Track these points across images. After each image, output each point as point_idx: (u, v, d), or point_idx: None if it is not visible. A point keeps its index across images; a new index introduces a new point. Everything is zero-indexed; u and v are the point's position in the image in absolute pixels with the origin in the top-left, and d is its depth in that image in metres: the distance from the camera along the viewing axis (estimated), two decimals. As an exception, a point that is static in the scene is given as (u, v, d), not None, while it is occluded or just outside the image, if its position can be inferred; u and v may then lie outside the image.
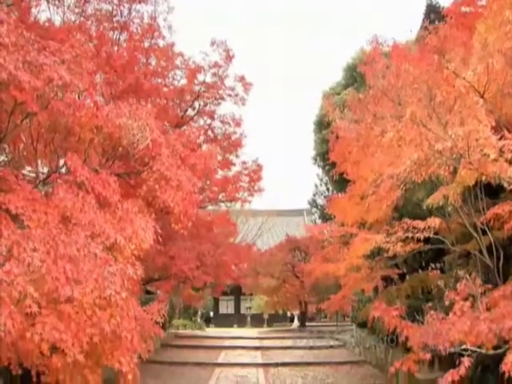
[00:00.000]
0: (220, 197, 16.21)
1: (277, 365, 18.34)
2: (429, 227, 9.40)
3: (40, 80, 5.49)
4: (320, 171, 25.00)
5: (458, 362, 4.95)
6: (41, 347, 3.89)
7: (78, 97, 6.46)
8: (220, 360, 19.09)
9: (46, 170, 8.81)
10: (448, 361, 11.82)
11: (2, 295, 3.60)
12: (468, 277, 5.40)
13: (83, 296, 3.96)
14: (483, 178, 8.43)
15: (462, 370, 4.67)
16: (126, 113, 6.85)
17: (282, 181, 72.06)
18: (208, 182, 15.32)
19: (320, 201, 26.79)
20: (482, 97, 7.86)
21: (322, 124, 20.02)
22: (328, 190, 22.96)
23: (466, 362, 4.66)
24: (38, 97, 6.16)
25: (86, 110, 6.27)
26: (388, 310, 6.24)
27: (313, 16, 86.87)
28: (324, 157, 20.70)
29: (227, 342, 22.88)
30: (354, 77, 18.62)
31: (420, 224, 9.61)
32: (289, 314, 36.10)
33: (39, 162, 8.67)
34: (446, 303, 5.50)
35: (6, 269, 3.77)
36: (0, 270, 3.73)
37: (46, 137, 7.97)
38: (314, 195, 27.61)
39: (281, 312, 35.06)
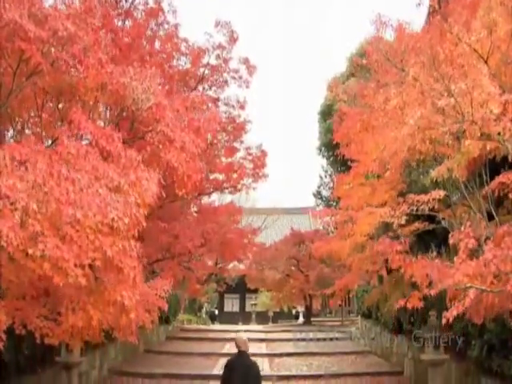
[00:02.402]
0: (224, 184, 16.18)
1: (281, 355, 18.38)
2: (433, 199, 9.37)
3: (45, 31, 5.54)
4: (325, 162, 25.07)
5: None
6: (43, 267, 3.89)
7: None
8: (225, 351, 19.09)
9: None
10: (452, 342, 11.78)
11: (4, 210, 3.62)
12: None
13: (85, 218, 3.97)
14: (487, 147, 8.42)
15: (468, 302, 4.63)
16: (130, 74, 6.91)
17: (286, 179, 72.38)
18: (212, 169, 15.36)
19: (325, 192, 26.79)
20: (485, 62, 7.86)
21: (327, 114, 20.10)
22: (333, 181, 22.96)
23: (472, 294, 4.62)
24: (43, 53, 6.22)
25: (90, 67, 6.31)
26: (392, 245, 6.22)
27: (316, 5, 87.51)
28: (329, 147, 20.72)
29: (232, 335, 22.87)
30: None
31: (424, 197, 9.58)
32: (294, 311, 36.04)
33: (44, 134, 8.75)
34: (451, 241, 5.48)
35: (9, 183, 3.80)
36: (2, 183, 3.74)
37: (50, 104, 8.04)
38: (319, 187, 27.60)
39: (286, 310, 35.02)
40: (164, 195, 6.41)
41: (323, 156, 23.41)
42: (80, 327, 6.76)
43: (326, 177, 26.54)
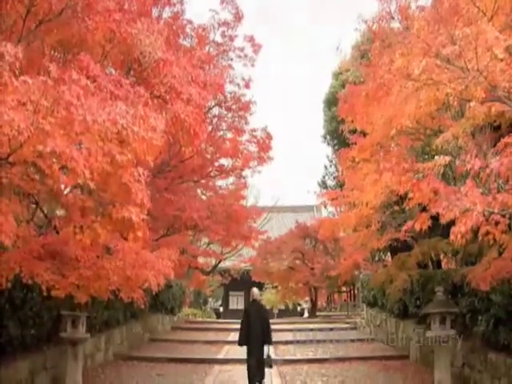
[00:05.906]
0: (229, 168, 16.18)
1: (286, 343, 18.30)
2: (439, 165, 9.33)
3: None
4: (329, 151, 25.13)
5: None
6: (52, 168, 3.91)
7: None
8: (230, 339, 19.09)
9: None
10: (460, 319, 11.69)
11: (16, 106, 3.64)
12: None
13: (95, 123, 3.99)
14: (492, 110, 8.42)
15: (475, 217, 4.61)
16: (138, 26, 7.00)
17: (291, 176, 72.53)
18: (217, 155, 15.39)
19: (330, 182, 26.76)
20: (489, 21, 7.88)
21: (331, 102, 20.19)
22: (338, 170, 23.00)
23: (479, 207, 4.60)
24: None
25: (98, 14, 6.40)
26: (399, 162, 6.18)
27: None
28: (333, 135, 20.81)
29: (237, 326, 22.85)
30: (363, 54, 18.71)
31: (429, 164, 9.55)
32: (298, 308, 35.94)
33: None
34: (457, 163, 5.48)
35: (21, 79, 3.82)
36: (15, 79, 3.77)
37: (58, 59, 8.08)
38: (324, 176, 27.61)
39: (291, 307, 34.92)
40: (172, 146, 6.43)
41: (328, 144, 23.49)
42: (87, 278, 6.82)
43: (330, 166, 26.57)
